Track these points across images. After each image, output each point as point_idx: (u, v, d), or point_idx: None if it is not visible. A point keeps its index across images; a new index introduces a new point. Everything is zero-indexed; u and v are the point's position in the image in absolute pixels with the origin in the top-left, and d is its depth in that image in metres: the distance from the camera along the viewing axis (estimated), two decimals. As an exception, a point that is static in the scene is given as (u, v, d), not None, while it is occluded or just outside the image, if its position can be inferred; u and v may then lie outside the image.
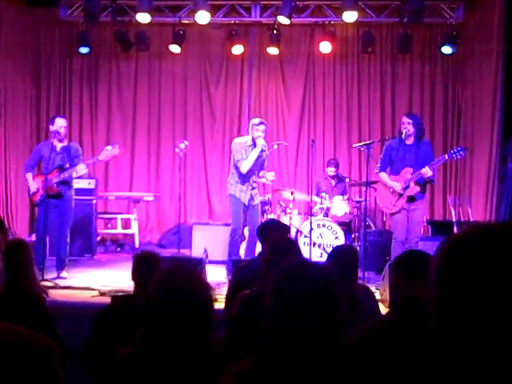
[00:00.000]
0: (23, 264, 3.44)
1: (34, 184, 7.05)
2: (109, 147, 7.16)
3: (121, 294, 4.82)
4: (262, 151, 7.27)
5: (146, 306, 2.27)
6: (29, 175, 7.15)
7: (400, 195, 6.62)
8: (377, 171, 6.93)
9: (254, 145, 7.16)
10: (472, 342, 1.06)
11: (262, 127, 7.16)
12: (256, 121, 7.31)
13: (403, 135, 6.64)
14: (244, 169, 7.18)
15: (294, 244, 3.69)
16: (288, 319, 1.73)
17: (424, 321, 2.54)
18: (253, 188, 7.36)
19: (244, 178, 7.28)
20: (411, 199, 6.65)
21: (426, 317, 2.52)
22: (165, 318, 2.16)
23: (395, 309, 2.90)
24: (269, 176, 7.39)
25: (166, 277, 2.32)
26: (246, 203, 7.31)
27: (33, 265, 3.64)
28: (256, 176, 7.38)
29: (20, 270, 3.36)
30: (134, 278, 3.67)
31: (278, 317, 1.75)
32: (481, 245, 1.08)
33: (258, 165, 7.37)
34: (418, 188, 6.63)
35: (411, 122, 6.67)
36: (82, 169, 6.93)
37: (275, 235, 3.95)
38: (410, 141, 6.69)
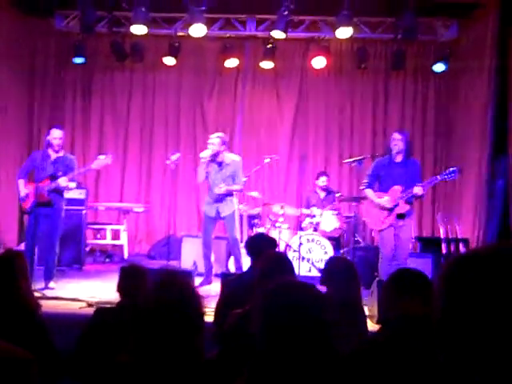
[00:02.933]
0: (15, 277, 3.41)
1: (24, 190, 7.03)
2: (102, 156, 7.19)
3: (105, 306, 4.79)
4: (223, 164, 7.33)
5: (135, 317, 2.25)
6: (21, 181, 7.11)
7: (390, 210, 6.59)
8: (362, 187, 6.86)
9: (212, 159, 7.28)
10: (482, 354, 1.08)
11: (210, 140, 7.33)
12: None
13: (393, 151, 6.63)
14: (198, 178, 7.42)
15: (287, 261, 3.68)
16: (275, 338, 1.72)
17: (416, 338, 2.54)
18: (216, 201, 7.38)
19: (208, 190, 7.52)
20: (401, 216, 6.64)
21: (418, 334, 2.53)
22: (155, 329, 2.15)
23: (387, 326, 2.89)
24: (217, 189, 7.37)
25: (158, 287, 2.31)
26: (212, 215, 7.42)
27: (26, 277, 3.60)
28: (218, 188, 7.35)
29: (13, 282, 3.34)
30: (119, 290, 3.69)
31: (266, 335, 1.75)
32: (496, 262, 1.10)
33: (220, 178, 7.36)
34: (407, 206, 6.60)
35: (402, 138, 6.66)
36: (63, 181, 6.90)
37: (266, 250, 3.94)
38: (398, 158, 6.67)
